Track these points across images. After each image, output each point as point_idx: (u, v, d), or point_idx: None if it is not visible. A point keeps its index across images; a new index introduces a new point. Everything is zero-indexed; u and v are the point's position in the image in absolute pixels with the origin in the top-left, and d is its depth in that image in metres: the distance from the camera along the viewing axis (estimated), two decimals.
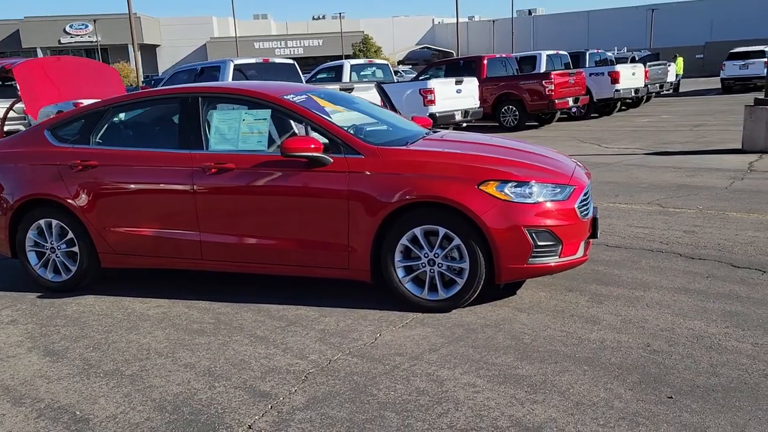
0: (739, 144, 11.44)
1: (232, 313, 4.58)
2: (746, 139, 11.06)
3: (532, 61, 19.18)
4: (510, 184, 4.20)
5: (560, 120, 18.65)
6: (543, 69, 18.72)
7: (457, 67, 17.73)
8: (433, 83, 13.76)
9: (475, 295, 4.29)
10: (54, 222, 5.11)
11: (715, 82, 35.49)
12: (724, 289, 4.49)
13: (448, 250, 4.26)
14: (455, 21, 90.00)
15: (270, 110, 4.71)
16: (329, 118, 4.64)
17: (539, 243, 4.17)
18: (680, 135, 13.96)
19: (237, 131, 4.73)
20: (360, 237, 4.39)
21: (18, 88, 5.44)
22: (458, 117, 14.11)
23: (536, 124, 18.07)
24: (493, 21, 75.96)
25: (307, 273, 4.67)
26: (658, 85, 22.40)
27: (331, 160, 4.41)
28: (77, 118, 5.24)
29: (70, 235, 5.08)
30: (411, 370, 3.52)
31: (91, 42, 65.84)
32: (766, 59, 27.04)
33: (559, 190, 4.30)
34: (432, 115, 12.84)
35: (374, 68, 15.68)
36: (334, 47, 73.30)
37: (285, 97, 4.76)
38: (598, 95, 18.58)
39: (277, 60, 12.29)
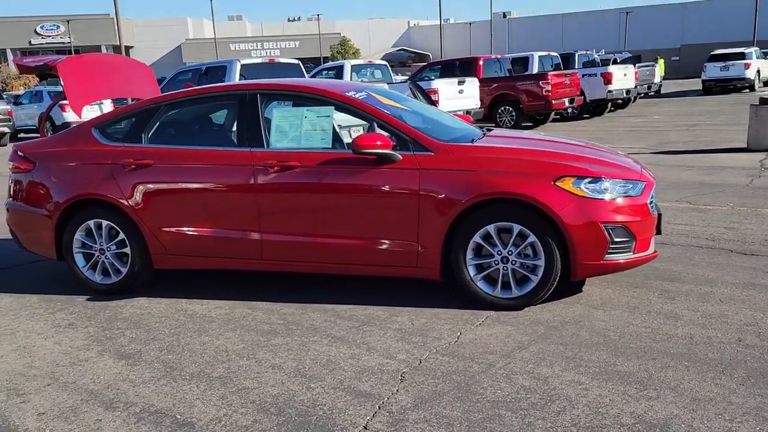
0: (742, 143, 11.64)
1: (297, 313, 4.49)
2: (751, 138, 11.24)
3: (525, 62, 19.32)
4: (586, 180, 4.19)
5: (553, 121, 18.79)
6: (535, 70, 18.90)
7: (453, 68, 17.78)
8: (438, 83, 13.78)
9: (550, 292, 4.27)
10: (104, 222, 4.97)
11: (692, 84, 36.19)
12: None
13: (522, 248, 4.23)
14: (431, 24, 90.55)
15: (333, 107, 4.64)
16: (396, 115, 4.59)
17: (615, 239, 4.17)
18: (680, 135, 14.15)
19: (299, 128, 4.65)
20: (431, 235, 4.34)
21: (62, 85, 5.31)
22: None
23: (531, 124, 18.17)
24: (470, 23, 76.42)
25: (374, 272, 4.61)
26: (646, 86, 22.74)
27: (401, 158, 4.36)
28: (127, 115, 5.11)
29: (122, 236, 4.95)
30: (508, 368, 3.49)
31: (63, 43, 64.78)
32: (745, 61, 27.67)
33: (631, 185, 4.30)
34: None
35: (374, 68, 15.64)
36: (311, 49, 73.12)
37: (347, 94, 4.70)
38: (591, 96, 18.78)
39: (283, 60, 12.20)
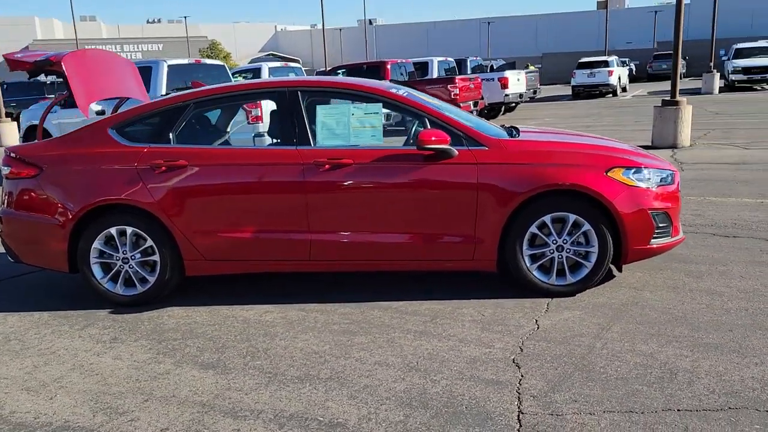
0: (643, 141, 12.70)
1: (356, 312, 4.45)
2: (656, 135, 12.30)
3: (424, 66, 19.90)
4: (632, 170, 4.48)
5: None
6: (435, 74, 19.54)
7: (360, 72, 17.91)
8: None
9: (602, 277, 4.52)
10: (129, 229, 4.64)
11: (558, 89, 38.83)
12: None
13: (576, 236, 4.45)
14: (299, 29, 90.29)
15: (381, 104, 4.63)
16: (448, 112, 4.67)
17: (659, 224, 4.50)
18: None
19: (347, 126, 4.60)
20: (488, 227, 4.46)
21: (67, 81, 4.82)
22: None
23: None
24: (341, 29, 77.03)
25: (429, 267, 4.66)
26: (532, 90, 24.09)
27: (457, 153, 4.44)
28: (150, 115, 4.80)
29: (149, 242, 4.64)
30: (609, 348, 3.68)
31: None
32: (609, 69, 30.08)
33: (665, 174, 4.65)
34: None
35: (288, 71, 15.46)
36: (176, 52, 70.34)
37: (391, 90, 4.72)
38: (489, 99, 19.66)
39: (208, 61, 11.80)
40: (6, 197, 4.89)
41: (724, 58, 31.27)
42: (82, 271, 4.72)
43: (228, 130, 5.22)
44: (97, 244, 4.67)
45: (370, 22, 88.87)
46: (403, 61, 18.91)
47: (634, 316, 4.14)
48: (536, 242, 4.52)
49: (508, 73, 19.99)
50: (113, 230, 4.65)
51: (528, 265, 4.51)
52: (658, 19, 58.01)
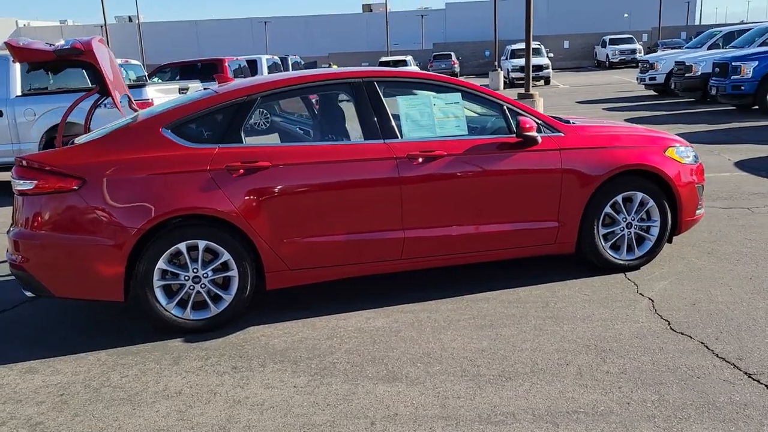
0: None
1: (462, 307, 4.33)
2: None
3: (253, 64, 19.45)
4: (680, 148, 4.92)
5: None
6: (264, 71, 19.19)
7: (195, 69, 16.93)
8: (152, 92, 9.92)
9: (662, 249, 4.91)
10: (201, 243, 4.02)
11: None
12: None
13: (642, 213, 4.78)
14: (46, 24, 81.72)
15: (460, 94, 4.54)
16: (522, 102, 4.70)
17: (701, 196, 5.00)
18: None
19: (431, 117, 4.44)
20: (570, 210, 4.61)
21: (100, 73, 3.84)
22: None
23: None
24: (100, 26, 71.08)
25: (517, 254, 4.66)
26: None
27: (541, 140, 4.53)
28: (211, 111, 4.17)
29: (225, 256, 4.07)
30: (741, 309, 4.01)
31: None
32: (407, 68, 31.74)
33: (694, 152, 5.17)
34: None
35: (128, 68, 14.07)
36: None
37: (465, 80, 4.64)
38: None
39: None
40: (25, 217, 3.94)
41: (502, 57, 34.57)
42: (144, 297, 3.98)
43: (301, 124, 4.72)
44: (161, 264, 3.98)
45: (130, 19, 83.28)
46: (236, 58, 18.25)
47: (715, 279, 4.56)
48: (605, 222, 4.76)
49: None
50: (182, 245, 3.99)
51: (603, 243, 4.74)
52: (425, 22, 62.23)
